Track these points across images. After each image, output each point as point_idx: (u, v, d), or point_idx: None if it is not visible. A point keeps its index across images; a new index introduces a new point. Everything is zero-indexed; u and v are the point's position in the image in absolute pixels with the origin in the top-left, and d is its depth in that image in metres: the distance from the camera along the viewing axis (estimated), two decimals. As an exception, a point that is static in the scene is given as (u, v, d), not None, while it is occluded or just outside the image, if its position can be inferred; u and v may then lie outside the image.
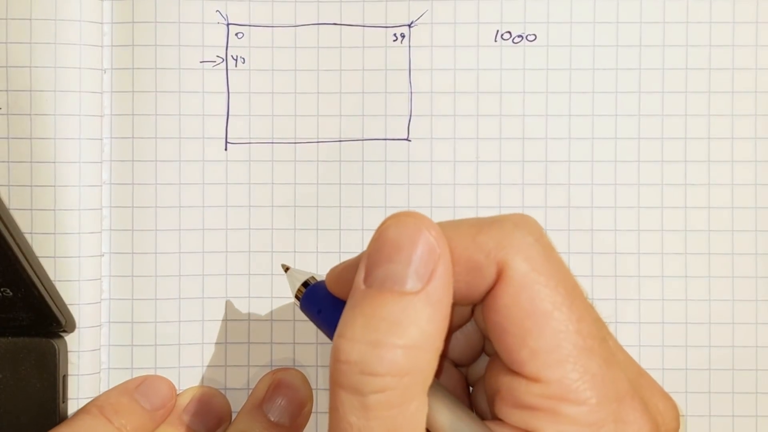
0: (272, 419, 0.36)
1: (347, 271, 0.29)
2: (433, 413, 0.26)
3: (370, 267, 0.26)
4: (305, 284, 0.32)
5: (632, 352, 0.37)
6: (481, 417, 0.29)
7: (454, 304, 0.26)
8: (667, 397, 0.28)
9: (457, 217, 0.38)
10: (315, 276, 0.33)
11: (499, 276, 0.26)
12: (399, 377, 0.25)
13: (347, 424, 0.25)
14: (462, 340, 0.30)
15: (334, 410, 0.25)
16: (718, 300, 0.38)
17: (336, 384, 0.25)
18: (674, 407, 0.28)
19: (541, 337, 0.25)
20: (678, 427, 0.28)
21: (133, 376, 0.37)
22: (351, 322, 0.25)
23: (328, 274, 0.30)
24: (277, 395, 0.36)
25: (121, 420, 0.35)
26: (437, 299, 0.25)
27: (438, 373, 0.27)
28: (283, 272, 0.35)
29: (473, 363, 0.31)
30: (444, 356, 0.29)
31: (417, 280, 0.25)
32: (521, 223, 0.26)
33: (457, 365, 0.31)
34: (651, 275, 0.38)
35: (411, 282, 0.25)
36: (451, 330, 0.30)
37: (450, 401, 0.27)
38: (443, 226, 0.26)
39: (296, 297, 0.33)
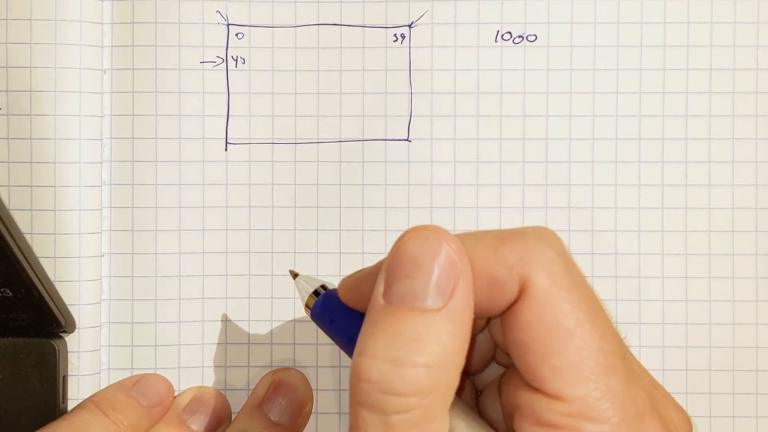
0: (272, 419, 0.36)
1: (362, 281, 0.28)
2: (454, 430, 0.26)
3: (390, 281, 0.25)
4: (316, 293, 0.32)
5: (633, 353, 0.38)
6: (490, 424, 0.29)
7: (474, 318, 0.26)
8: (680, 410, 0.28)
9: (458, 218, 0.38)
10: (326, 284, 0.32)
11: (522, 291, 0.25)
12: (422, 396, 0.24)
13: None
14: (472, 350, 0.30)
15: (355, 428, 0.25)
16: (718, 301, 0.38)
17: (357, 402, 0.25)
18: (688, 420, 0.28)
19: (564, 354, 0.25)
20: None
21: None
22: (372, 339, 0.25)
23: (342, 284, 0.29)
24: (277, 395, 0.36)
25: (118, 415, 0.35)
26: (459, 315, 0.25)
27: (459, 391, 0.27)
28: (290, 276, 0.34)
29: (482, 372, 0.31)
30: (465, 372, 0.29)
31: (438, 297, 0.25)
32: (544, 236, 0.26)
33: (465, 373, 0.31)
34: (651, 276, 0.38)
35: (432, 298, 0.25)
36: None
37: (470, 418, 0.27)
38: (463, 238, 0.26)
39: (306, 305, 0.32)
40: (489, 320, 0.29)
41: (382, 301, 0.25)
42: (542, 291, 0.25)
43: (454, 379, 0.25)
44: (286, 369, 0.37)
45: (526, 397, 0.25)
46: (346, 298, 0.29)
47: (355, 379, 0.25)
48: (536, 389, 0.25)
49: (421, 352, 0.24)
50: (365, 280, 0.28)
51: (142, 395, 0.36)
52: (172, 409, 0.36)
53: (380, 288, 0.26)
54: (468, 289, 0.25)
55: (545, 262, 0.25)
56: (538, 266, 0.25)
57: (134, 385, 0.36)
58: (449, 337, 0.25)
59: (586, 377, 0.24)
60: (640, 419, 0.25)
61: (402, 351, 0.24)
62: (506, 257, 0.25)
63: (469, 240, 0.26)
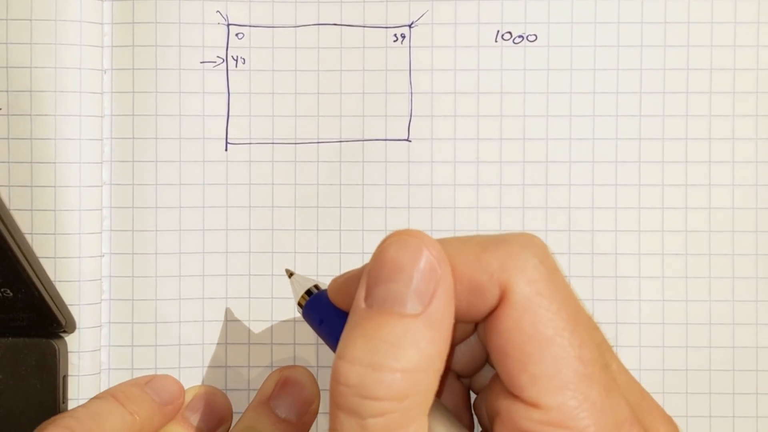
0: (280, 416, 0.36)
1: (349, 282, 0.28)
2: None
3: (371, 286, 0.26)
4: (308, 292, 0.32)
5: (632, 354, 0.38)
6: (483, 427, 0.29)
7: (456, 322, 0.26)
8: (669, 421, 0.28)
9: (458, 218, 0.38)
10: (319, 284, 0.33)
11: (502, 298, 0.25)
12: (398, 401, 0.25)
13: None
14: (466, 353, 0.30)
15: (333, 431, 0.25)
16: (718, 301, 0.38)
17: (335, 405, 0.25)
18: (676, 430, 0.28)
19: (542, 362, 0.25)
20: None
21: (134, 377, 0.37)
22: (351, 343, 0.25)
23: (331, 285, 0.30)
24: (284, 392, 0.36)
25: (133, 407, 0.35)
26: (438, 321, 0.25)
27: (439, 393, 0.27)
28: (286, 276, 0.34)
29: (477, 373, 0.31)
30: (446, 374, 0.29)
31: (417, 302, 0.25)
32: (527, 243, 0.26)
33: (460, 376, 0.31)
34: (651, 276, 0.38)
35: (411, 304, 0.25)
36: (454, 344, 0.30)
37: (449, 421, 0.27)
38: (446, 244, 0.26)
39: (299, 304, 0.32)
40: (478, 324, 0.29)
41: (363, 305, 0.26)
42: (522, 298, 0.25)
43: (432, 384, 0.25)
44: (293, 366, 0.37)
45: (505, 404, 0.25)
46: (334, 298, 0.29)
47: (334, 382, 0.25)
48: (515, 396, 0.25)
49: (399, 357, 0.25)
50: (352, 281, 0.28)
51: (156, 393, 0.36)
52: None
53: (362, 292, 0.26)
54: (448, 295, 0.25)
55: (526, 270, 0.25)
56: (519, 273, 0.25)
57: (148, 383, 0.36)
58: (427, 343, 0.25)
59: (564, 386, 0.25)
60: (618, 429, 0.25)
61: (380, 356, 0.25)
62: (488, 263, 0.25)
63: (453, 245, 0.26)
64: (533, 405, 0.25)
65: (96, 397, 0.35)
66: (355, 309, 0.26)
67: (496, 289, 0.25)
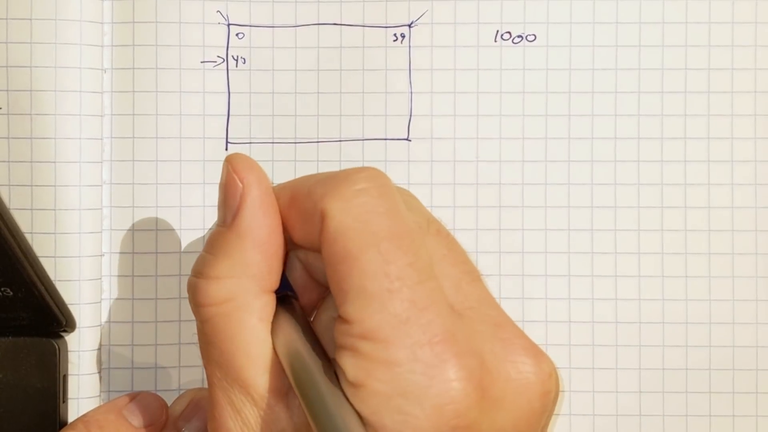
0: None
1: None
2: (278, 341, 0.28)
3: (217, 210, 0.30)
4: None
5: (632, 352, 0.38)
6: None
7: (311, 250, 0.29)
8: (532, 353, 0.27)
9: (457, 217, 0.38)
10: None
11: (322, 224, 0.27)
12: (216, 306, 0.28)
13: (199, 340, 0.29)
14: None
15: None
16: (718, 300, 0.38)
17: (190, 306, 0.29)
18: (541, 372, 0.27)
19: (349, 279, 0.26)
20: (543, 391, 0.27)
21: (134, 376, 0.37)
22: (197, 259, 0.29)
23: None
24: (196, 414, 0.36)
25: None
26: (246, 231, 0.28)
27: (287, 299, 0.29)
28: None
29: None
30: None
31: (228, 215, 0.28)
32: (355, 175, 0.27)
33: None
34: (651, 275, 0.38)
35: (225, 217, 0.29)
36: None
37: (297, 330, 0.28)
38: (298, 179, 0.29)
39: None
40: None
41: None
42: (334, 222, 0.26)
43: (250, 290, 0.28)
44: (204, 390, 0.36)
45: (336, 325, 0.27)
46: None
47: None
48: (339, 316, 0.26)
49: (214, 265, 0.28)
50: None
51: (134, 416, 0.35)
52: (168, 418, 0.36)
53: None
54: (254, 207, 0.28)
55: (344, 197, 0.27)
56: (335, 200, 0.27)
57: (127, 405, 0.35)
58: (238, 251, 0.28)
59: (368, 300, 0.25)
60: (431, 345, 0.25)
61: (201, 265, 0.29)
62: (314, 193, 0.27)
63: (299, 180, 0.29)
64: (345, 320, 0.26)
65: (70, 427, 0.34)
66: None
67: (319, 216, 0.27)
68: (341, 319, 0.26)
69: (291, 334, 0.28)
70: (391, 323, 0.25)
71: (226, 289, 0.28)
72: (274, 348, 0.28)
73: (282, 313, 0.29)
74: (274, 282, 0.29)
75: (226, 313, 0.28)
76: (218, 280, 0.28)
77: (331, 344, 0.28)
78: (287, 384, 0.28)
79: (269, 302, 0.29)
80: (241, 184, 0.28)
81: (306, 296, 0.31)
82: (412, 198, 0.30)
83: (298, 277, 0.31)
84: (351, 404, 0.26)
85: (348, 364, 0.26)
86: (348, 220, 0.26)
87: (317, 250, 0.28)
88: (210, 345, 0.28)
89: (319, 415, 0.26)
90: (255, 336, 0.28)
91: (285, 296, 0.30)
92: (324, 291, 0.31)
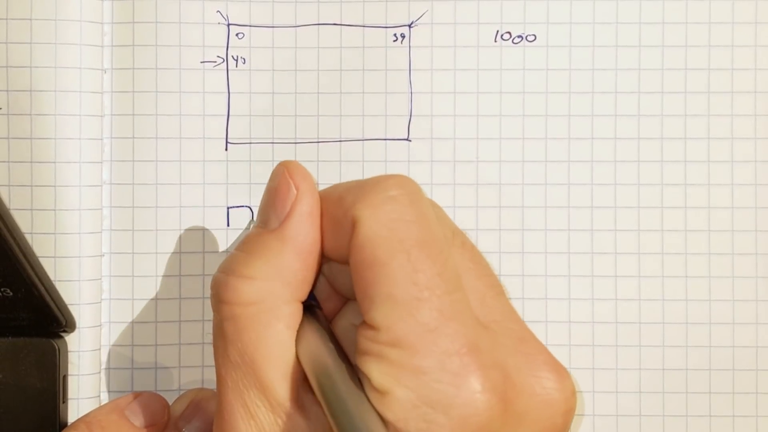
0: None
1: None
2: (302, 348, 0.28)
3: (258, 211, 0.30)
4: None
5: (632, 352, 0.38)
6: None
7: (338, 260, 0.28)
8: (554, 369, 0.27)
9: (458, 217, 0.38)
10: None
11: (352, 231, 0.27)
12: (244, 306, 0.28)
13: (215, 338, 0.29)
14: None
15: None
16: (718, 300, 0.38)
17: (212, 302, 0.29)
18: (563, 389, 0.27)
19: (376, 285, 0.26)
20: (566, 409, 0.27)
21: (134, 376, 0.37)
22: (227, 257, 0.29)
23: None
24: (196, 415, 0.36)
25: None
26: (291, 237, 0.28)
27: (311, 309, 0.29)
28: None
29: None
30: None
31: (276, 220, 0.28)
32: (386, 182, 0.27)
33: None
34: (651, 275, 0.38)
35: (272, 221, 0.28)
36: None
37: (321, 338, 0.28)
38: (332, 186, 0.29)
39: None
40: None
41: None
42: (364, 229, 0.26)
43: (281, 294, 0.28)
44: (204, 390, 0.36)
45: (359, 331, 0.27)
46: None
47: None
48: (363, 322, 0.26)
49: (248, 264, 0.28)
50: None
51: (136, 416, 0.35)
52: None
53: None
54: (303, 215, 0.28)
55: (374, 203, 0.27)
56: (366, 206, 0.27)
57: (128, 405, 0.35)
58: (276, 255, 0.28)
59: (395, 308, 0.25)
60: (460, 355, 0.25)
61: (234, 263, 0.28)
62: (344, 200, 0.27)
63: (331, 187, 0.29)
64: (371, 326, 0.26)
65: (72, 427, 0.34)
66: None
67: (349, 223, 0.27)
68: (366, 325, 0.26)
69: (315, 342, 0.28)
70: (418, 331, 0.25)
71: (258, 291, 0.28)
72: (297, 356, 0.28)
73: (307, 321, 0.29)
74: (305, 292, 0.29)
75: (254, 314, 0.28)
76: (252, 280, 0.28)
77: (349, 351, 0.28)
78: (307, 393, 0.28)
79: (297, 311, 0.28)
80: (295, 191, 0.28)
81: (326, 306, 0.31)
82: (438, 208, 0.30)
83: (320, 288, 0.31)
84: (376, 410, 0.25)
85: (374, 371, 0.25)
86: (377, 226, 0.26)
87: (344, 260, 0.28)
88: (230, 344, 0.28)
89: (342, 420, 0.26)
90: (280, 341, 0.28)
91: (309, 305, 0.29)
92: (343, 302, 0.31)
